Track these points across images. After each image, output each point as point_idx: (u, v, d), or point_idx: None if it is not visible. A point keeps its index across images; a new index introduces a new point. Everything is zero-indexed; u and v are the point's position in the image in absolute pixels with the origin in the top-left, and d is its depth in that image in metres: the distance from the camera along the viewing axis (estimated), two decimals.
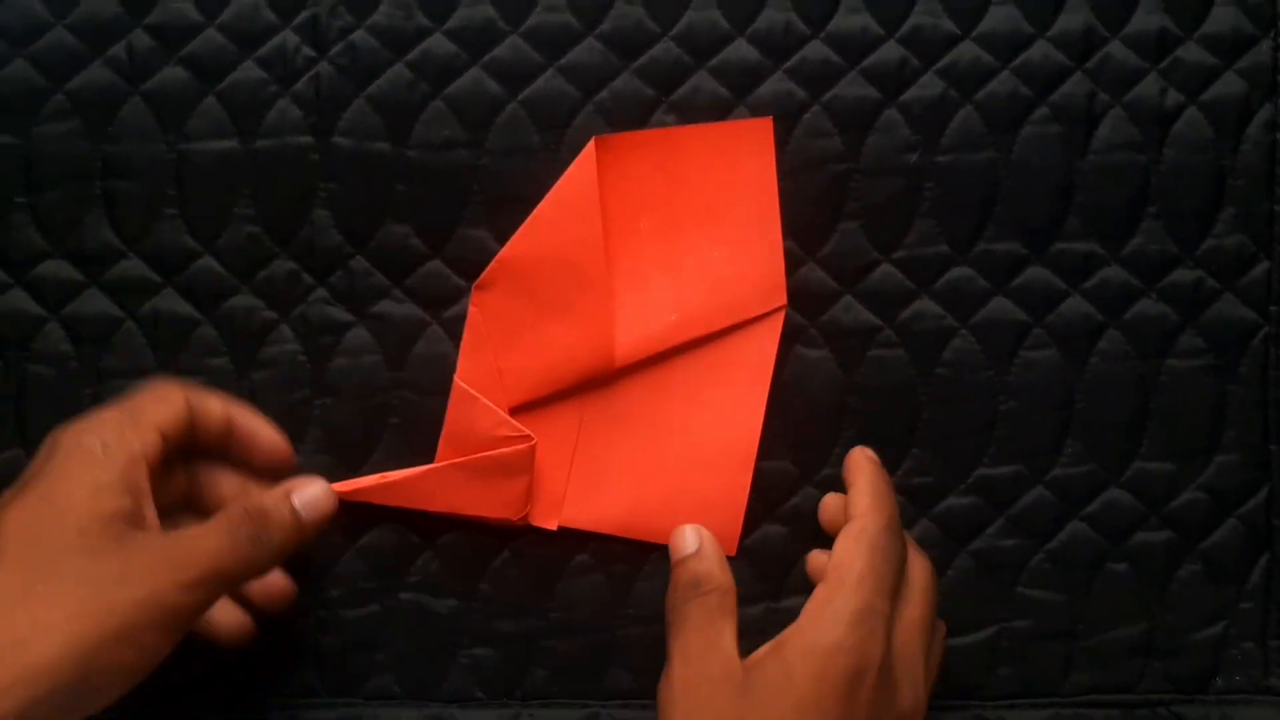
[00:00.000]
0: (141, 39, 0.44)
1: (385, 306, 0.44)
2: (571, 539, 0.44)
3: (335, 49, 0.44)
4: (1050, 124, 0.44)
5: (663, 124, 0.44)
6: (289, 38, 0.44)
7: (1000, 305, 0.45)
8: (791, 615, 0.37)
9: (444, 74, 0.44)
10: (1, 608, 0.32)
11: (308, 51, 0.44)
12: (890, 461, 0.44)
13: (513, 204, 0.44)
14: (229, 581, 0.36)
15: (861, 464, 0.42)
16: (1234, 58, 0.45)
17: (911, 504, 0.45)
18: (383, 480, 0.43)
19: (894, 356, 0.45)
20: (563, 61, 0.44)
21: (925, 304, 0.45)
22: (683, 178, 0.44)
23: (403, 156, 0.44)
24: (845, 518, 0.40)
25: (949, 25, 0.44)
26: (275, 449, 0.41)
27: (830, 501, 0.43)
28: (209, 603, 0.35)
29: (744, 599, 0.40)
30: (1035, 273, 0.45)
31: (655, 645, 0.40)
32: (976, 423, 0.45)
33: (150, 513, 0.36)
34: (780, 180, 0.44)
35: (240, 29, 0.44)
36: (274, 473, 0.41)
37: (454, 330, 0.44)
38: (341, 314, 0.44)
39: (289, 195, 0.44)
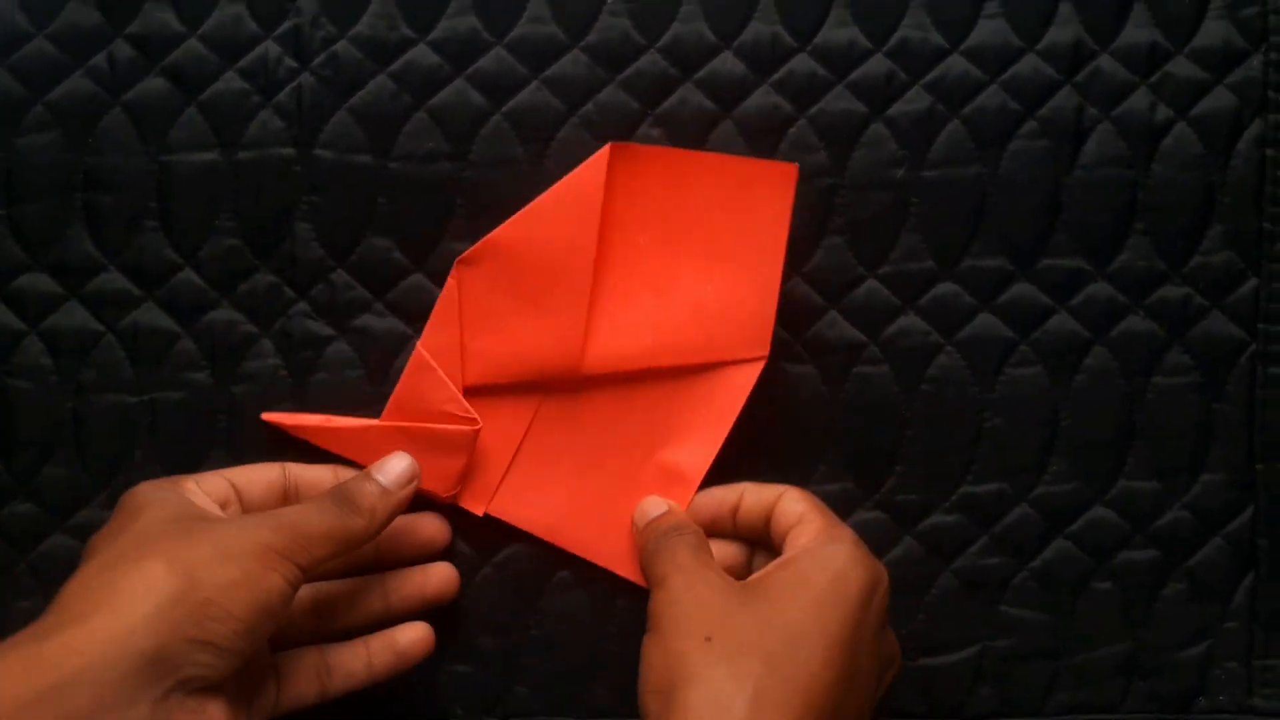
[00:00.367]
0: (123, 49, 0.44)
1: (367, 320, 0.44)
2: (553, 556, 0.44)
3: (318, 60, 0.44)
4: (1038, 138, 0.44)
5: (648, 137, 0.44)
6: (271, 48, 0.44)
7: (986, 321, 0.44)
8: None
9: (427, 85, 0.44)
10: (116, 570, 0.34)
11: (290, 62, 0.44)
12: (874, 478, 0.44)
13: (496, 217, 0.43)
14: (319, 541, 0.36)
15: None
16: (1224, 72, 0.44)
17: (895, 521, 0.44)
18: (325, 422, 0.43)
19: (879, 373, 0.44)
20: (547, 73, 0.44)
21: (910, 320, 0.44)
22: (693, 203, 0.43)
23: (385, 169, 0.44)
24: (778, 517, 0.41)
25: (937, 38, 0.44)
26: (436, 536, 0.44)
27: (748, 496, 0.43)
28: (304, 564, 0.36)
29: None
30: (1022, 289, 0.44)
31: (637, 662, 0.40)
32: (961, 440, 0.44)
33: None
34: None
35: (222, 39, 0.44)
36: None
37: None
38: (323, 328, 0.44)
39: (270, 208, 0.44)
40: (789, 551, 0.39)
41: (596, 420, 0.44)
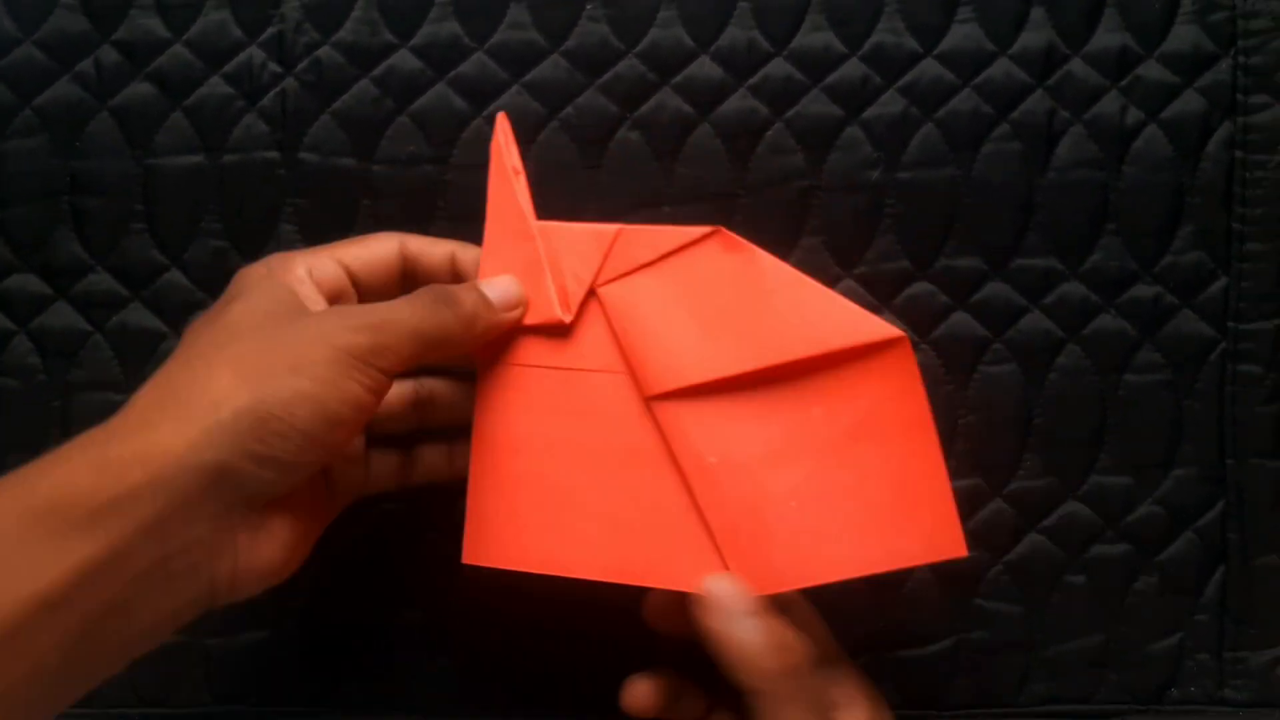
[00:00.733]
0: (109, 55, 0.44)
1: None
2: None
3: (301, 65, 0.44)
4: (1011, 141, 0.45)
5: (627, 140, 0.44)
6: (255, 54, 0.44)
7: (960, 320, 0.45)
8: None
9: (409, 90, 0.44)
10: (189, 373, 0.33)
11: (274, 67, 0.44)
12: None
13: (479, 220, 0.43)
14: (406, 339, 0.34)
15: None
16: (1194, 76, 0.45)
17: None
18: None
19: None
20: (528, 78, 0.45)
21: (886, 319, 0.45)
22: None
23: (368, 172, 0.44)
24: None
25: (911, 43, 0.45)
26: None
27: None
28: (388, 366, 0.34)
29: None
30: (995, 288, 0.45)
31: (624, 655, 0.40)
32: None
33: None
34: (742, 197, 0.44)
35: (207, 45, 0.44)
36: None
37: None
38: None
39: (255, 210, 0.44)
40: None
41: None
